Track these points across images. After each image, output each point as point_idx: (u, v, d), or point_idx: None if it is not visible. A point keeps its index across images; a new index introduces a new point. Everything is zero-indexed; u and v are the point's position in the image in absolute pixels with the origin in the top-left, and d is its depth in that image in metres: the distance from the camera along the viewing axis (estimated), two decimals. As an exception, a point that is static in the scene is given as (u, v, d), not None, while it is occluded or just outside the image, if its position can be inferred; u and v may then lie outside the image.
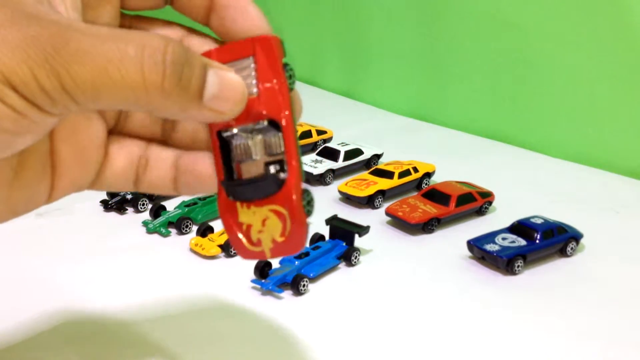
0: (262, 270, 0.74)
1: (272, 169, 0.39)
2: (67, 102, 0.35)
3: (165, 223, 0.86)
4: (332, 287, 0.75)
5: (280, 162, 0.39)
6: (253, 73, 0.40)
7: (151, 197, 0.92)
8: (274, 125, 0.39)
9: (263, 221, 0.39)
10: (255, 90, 0.39)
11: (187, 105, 0.38)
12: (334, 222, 0.83)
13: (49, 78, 0.34)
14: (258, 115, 0.39)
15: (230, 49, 0.41)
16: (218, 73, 0.39)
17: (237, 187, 0.40)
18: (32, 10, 0.36)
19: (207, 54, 0.41)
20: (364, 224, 0.82)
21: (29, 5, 0.36)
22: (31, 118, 0.35)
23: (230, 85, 0.39)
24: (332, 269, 0.78)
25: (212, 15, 0.43)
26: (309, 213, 0.38)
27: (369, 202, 0.94)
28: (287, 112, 0.39)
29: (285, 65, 0.41)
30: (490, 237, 0.82)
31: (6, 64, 0.34)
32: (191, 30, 0.46)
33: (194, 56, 0.38)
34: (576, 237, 0.83)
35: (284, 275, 0.73)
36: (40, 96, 0.35)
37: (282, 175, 0.39)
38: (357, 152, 1.06)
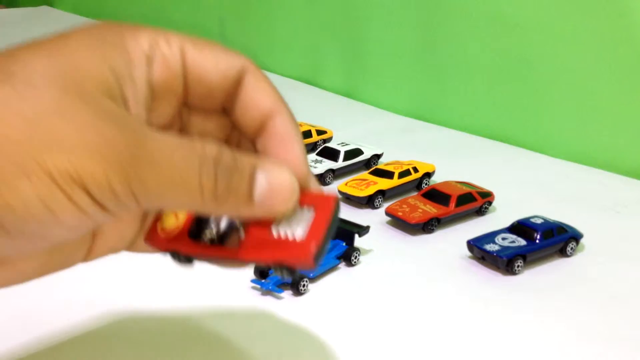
0: (262, 270, 0.74)
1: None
2: (130, 204, 0.38)
3: (165, 223, 0.86)
4: (332, 287, 0.75)
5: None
6: (308, 223, 0.43)
7: (151, 197, 0.92)
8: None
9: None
10: (298, 235, 0.42)
11: (239, 207, 0.41)
12: (334, 222, 0.83)
13: (122, 183, 0.37)
14: (282, 253, 0.42)
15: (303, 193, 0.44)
16: (267, 174, 0.42)
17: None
18: (111, 110, 0.38)
19: None
20: (364, 224, 0.82)
21: (107, 105, 0.38)
22: (93, 216, 0.37)
23: (279, 183, 0.42)
24: (332, 269, 0.78)
25: (260, 137, 0.46)
26: None
27: (369, 202, 0.94)
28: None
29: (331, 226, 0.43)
30: (490, 237, 0.82)
31: (83, 166, 0.36)
32: None
33: (243, 161, 0.41)
34: (576, 237, 0.83)
35: (284, 275, 0.73)
36: (109, 198, 0.37)
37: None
38: (357, 152, 1.06)
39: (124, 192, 0.37)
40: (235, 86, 0.46)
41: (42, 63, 0.38)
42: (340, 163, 1.03)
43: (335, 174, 1.02)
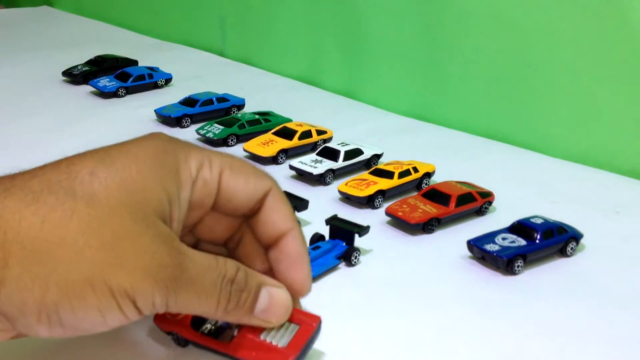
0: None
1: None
2: (160, 310, 0.47)
3: (165, 223, 0.86)
4: (332, 287, 0.75)
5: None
6: (292, 336, 0.55)
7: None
8: None
9: None
10: (281, 344, 0.54)
11: (241, 317, 0.52)
12: (334, 222, 0.83)
13: (161, 297, 0.46)
14: (264, 356, 0.53)
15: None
16: (270, 291, 0.53)
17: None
18: (164, 233, 0.47)
19: None
20: (364, 224, 0.82)
21: (161, 228, 0.48)
22: (130, 320, 0.47)
23: (277, 302, 0.53)
24: (332, 269, 0.78)
25: (273, 250, 0.57)
26: None
27: (369, 202, 0.94)
28: None
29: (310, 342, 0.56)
30: (490, 237, 0.82)
31: (138, 285, 0.45)
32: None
33: (252, 279, 0.52)
34: (576, 237, 0.83)
35: (284, 275, 0.73)
36: (148, 308, 0.47)
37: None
38: (357, 152, 1.06)
39: (161, 304, 0.47)
40: (259, 204, 0.56)
41: (114, 183, 0.47)
42: (340, 163, 1.03)
43: (335, 174, 1.02)
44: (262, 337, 0.54)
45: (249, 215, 0.57)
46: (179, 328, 0.58)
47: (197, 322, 0.58)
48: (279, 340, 0.54)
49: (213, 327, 0.57)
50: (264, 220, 0.56)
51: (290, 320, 0.56)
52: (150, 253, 0.46)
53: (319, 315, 0.57)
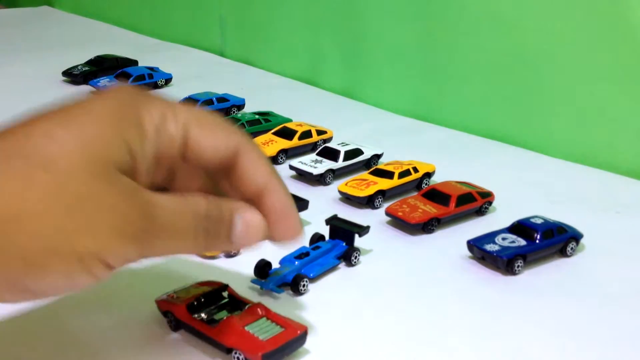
0: (262, 270, 0.74)
1: None
2: (136, 261, 0.47)
3: (165, 223, 0.86)
4: (332, 287, 0.75)
5: None
6: (273, 335, 0.60)
7: (151, 197, 0.92)
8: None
9: None
10: (261, 338, 0.59)
11: (219, 246, 0.53)
12: (334, 222, 0.83)
13: (136, 251, 0.46)
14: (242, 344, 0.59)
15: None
16: (243, 217, 0.53)
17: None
18: (129, 188, 0.46)
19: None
20: (364, 224, 0.82)
21: (126, 183, 0.46)
22: (102, 279, 0.46)
23: (252, 227, 0.54)
24: (332, 269, 0.78)
25: (259, 207, 0.55)
26: None
27: (369, 202, 0.94)
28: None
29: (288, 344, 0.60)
30: (490, 237, 0.82)
31: (108, 246, 0.44)
32: None
33: (224, 208, 0.52)
34: (576, 237, 0.83)
35: (284, 275, 0.73)
36: (122, 264, 0.46)
37: None
38: (357, 152, 1.06)
39: (135, 256, 0.47)
40: (231, 162, 0.54)
41: (72, 143, 0.45)
42: (340, 163, 1.03)
43: (335, 174, 1.02)
44: (246, 327, 0.60)
45: (225, 172, 0.55)
46: (174, 308, 0.63)
47: (194, 307, 0.63)
48: (261, 334, 0.59)
49: (206, 316, 0.63)
50: (241, 177, 0.54)
51: (278, 323, 0.61)
52: (115, 211, 0.45)
53: (306, 326, 0.62)
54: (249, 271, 0.75)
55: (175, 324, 0.64)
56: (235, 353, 0.59)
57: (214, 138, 0.52)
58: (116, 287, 0.56)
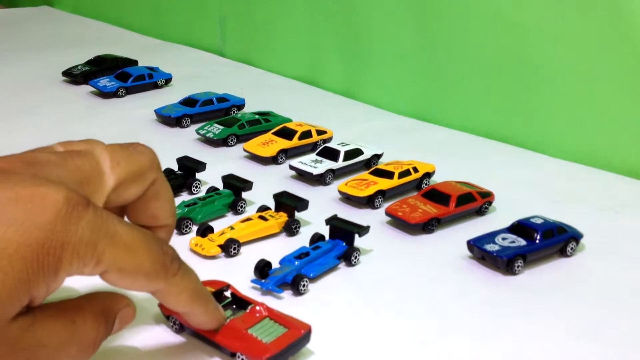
0: (262, 270, 0.74)
1: None
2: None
3: (165, 223, 0.86)
4: (332, 287, 0.75)
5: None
6: (277, 337, 0.60)
7: (151, 197, 0.92)
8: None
9: None
10: (264, 340, 0.59)
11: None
12: (334, 222, 0.83)
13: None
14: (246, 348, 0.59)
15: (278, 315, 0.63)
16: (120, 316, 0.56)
17: None
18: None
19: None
20: (364, 224, 0.82)
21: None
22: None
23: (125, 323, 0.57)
24: (332, 269, 0.78)
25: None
26: None
27: (369, 202, 0.94)
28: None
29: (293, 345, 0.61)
30: (490, 237, 0.82)
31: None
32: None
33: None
34: (576, 237, 0.83)
35: (284, 275, 0.73)
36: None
37: None
38: (357, 152, 1.06)
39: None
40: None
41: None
42: (340, 163, 1.03)
43: (335, 174, 1.02)
44: (249, 331, 0.60)
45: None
46: (177, 314, 0.62)
47: None
48: (264, 337, 0.59)
49: None
50: (144, 209, 0.58)
51: (281, 323, 0.61)
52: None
53: (310, 324, 0.62)
54: (249, 271, 0.75)
55: (179, 327, 0.64)
56: (239, 357, 0.59)
57: (132, 280, 0.53)
58: (120, 292, 0.55)
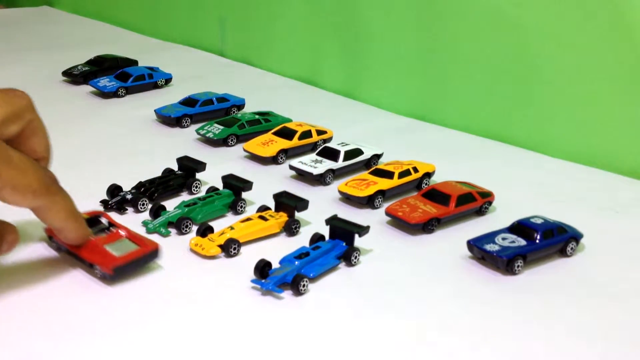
0: (262, 270, 0.74)
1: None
2: None
3: (165, 223, 0.86)
4: (332, 287, 0.75)
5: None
6: (128, 252, 0.74)
7: (151, 197, 0.92)
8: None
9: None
10: (115, 254, 0.74)
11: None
12: (334, 222, 0.83)
13: None
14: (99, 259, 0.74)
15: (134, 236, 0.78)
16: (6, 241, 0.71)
17: None
18: None
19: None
20: (364, 224, 0.82)
21: None
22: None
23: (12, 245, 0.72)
24: (332, 269, 0.78)
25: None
26: None
27: (369, 202, 0.94)
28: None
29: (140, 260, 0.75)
30: (490, 237, 0.82)
31: None
32: None
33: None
34: (576, 237, 0.83)
35: (284, 275, 0.73)
36: None
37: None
38: (357, 152, 1.06)
39: None
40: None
41: None
42: (340, 163, 1.03)
43: (335, 174, 1.02)
44: (106, 247, 0.74)
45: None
46: (55, 234, 0.76)
47: None
48: (116, 251, 0.74)
49: None
50: (24, 144, 0.70)
51: (135, 242, 0.76)
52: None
53: (158, 243, 0.76)
54: (249, 271, 0.75)
55: (57, 247, 0.78)
56: (95, 267, 0.73)
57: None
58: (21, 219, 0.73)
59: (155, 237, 0.85)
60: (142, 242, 0.75)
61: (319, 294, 0.73)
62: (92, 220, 0.78)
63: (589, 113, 1.14)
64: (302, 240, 0.84)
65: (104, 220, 0.79)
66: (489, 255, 0.79)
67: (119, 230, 0.77)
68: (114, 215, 0.90)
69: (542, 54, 1.17)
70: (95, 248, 0.74)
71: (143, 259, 0.74)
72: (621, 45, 1.06)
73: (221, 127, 1.16)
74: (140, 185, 0.94)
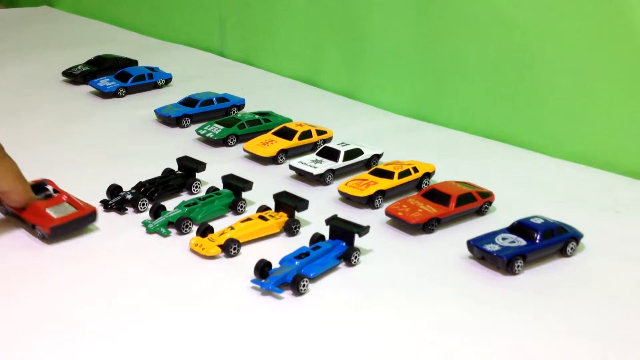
0: (262, 270, 0.74)
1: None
2: None
3: (165, 223, 0.86)
4: (332, 287, 0.75)
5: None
6: (66, 214, 0.83)
7: (151, 197, 0.92)
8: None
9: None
10: (54, 215, 0.82)
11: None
12: (334, 222, 0.83)
13: None
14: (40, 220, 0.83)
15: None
16: None
17: None
18: None
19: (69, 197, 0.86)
20: (364, 224, 0.82)
21: None
22: None
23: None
24: (332, 269, 0.78)
25: None
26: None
27: (369, 202, 0.94)
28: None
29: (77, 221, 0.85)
30: (490, 237, 0.82)
31: None
32: None
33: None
34: (576, 237, 0.83)
35: (284, 275, 0.73)
36: None
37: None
38: (357, 152, 1.06)
39: None
40: None
41: None
42: (340, 163, 1.03)
43: (335, 174, 1.02)
44: (47, 209, 0.82)
45: None
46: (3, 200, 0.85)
47: None
48: (56, 213, 0.82)
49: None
50: None
51: (74, 205, 0.84)
52: None
53: (95, 207, 0.85)
54: (249, 271, 0.75)
55: (5, 210, 0.87)
56: (36, 228, 0.82)
57: None
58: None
59: (155, 237, 0.85)
60: (79, 206, 0.84)
61: (319, 294, 0.73)
62: (38, 186, 0.87)
63: (589, 113, 1.14)
64: (302, 240, 0.84)
65: (49, 188, 0.87)
66: (489, 255, 0.79)
67: (61, 195, 0.85)
68: (114, 215, 0.90)
69: (542, 54, 1.17)
70: (37, 210, 0.82)
71: (80, 221, 0.83)
72: (621, 45, 1.06)
73: (221, 127, 1.16)
74: (140, 185, 0.94)
